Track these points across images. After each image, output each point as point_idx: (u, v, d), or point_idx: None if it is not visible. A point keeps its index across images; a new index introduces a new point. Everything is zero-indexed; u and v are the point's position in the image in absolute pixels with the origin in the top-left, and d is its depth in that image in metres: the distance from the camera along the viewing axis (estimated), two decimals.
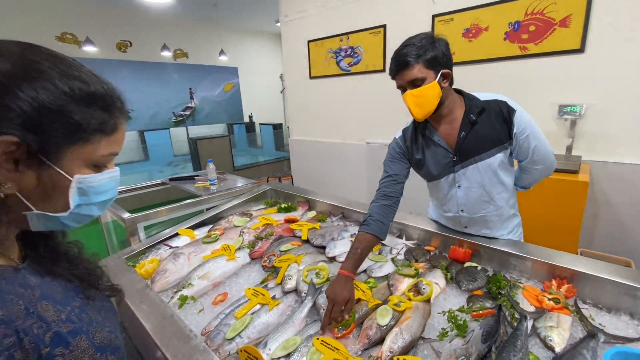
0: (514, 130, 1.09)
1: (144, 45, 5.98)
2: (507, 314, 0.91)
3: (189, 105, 6.69)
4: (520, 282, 1.06)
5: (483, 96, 1.14)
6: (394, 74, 1.09)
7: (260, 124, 7.22)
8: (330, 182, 3.69)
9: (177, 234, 1.43)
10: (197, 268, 1.17)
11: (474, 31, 2.40)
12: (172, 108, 6.53)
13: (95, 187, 0.48)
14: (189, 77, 6.61)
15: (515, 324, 0.86)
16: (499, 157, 1.13)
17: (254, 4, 5.60)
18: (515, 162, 1.25)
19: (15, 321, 0.39)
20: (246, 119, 7.86)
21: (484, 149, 1.13)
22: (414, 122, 1.23)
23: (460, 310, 0.95)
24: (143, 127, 6.17)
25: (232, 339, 0.89)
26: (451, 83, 1.12)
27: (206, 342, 0.88)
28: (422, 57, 1.03)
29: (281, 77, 8.54)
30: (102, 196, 0.50)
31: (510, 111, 1.09)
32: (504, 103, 1.11)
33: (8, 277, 0.43)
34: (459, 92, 1.17)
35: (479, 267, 1.14)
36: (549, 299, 0.94)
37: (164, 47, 5.84)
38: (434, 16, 2.56)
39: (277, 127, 6.52)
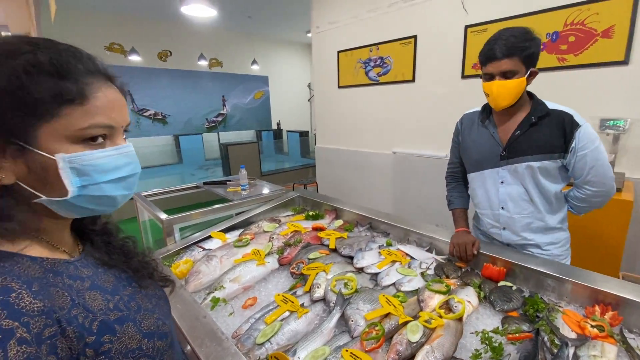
0: (573, 145, 1.10)
1: (182, 54, 6.31)
2: (545, 339, 0.87)
3: (221, 112, 6.95)
4: (559, 306, 1.01)
5: (552, 105, 1.15)
6: (490, 61, 1.09)
7: (288, 131, 7.37)
8: (355, 191, 3.68)
9: (209, 237, 1.48)
10: (228, 271, 1.21)
11: None
12: (206, 114, 6.81)
13: (95, 165, 0.45)
14: (222, 85, 6.88)
15: (555, 351, 0.82)
16: (546, 165, 1.14)
17: (286, 15, 5.78)
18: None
19: (58, 312, 0.40)
20: (274, 126, 8.05)
21: (533, 153, 1.15)
22: (481, 110, 1.28)
23: (495, 331, 0.91)
24: (178, 132, 6.49)
25: (262, 344, 0.90)
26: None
27: (237, 345, 0.90)
28: (523, 52, 1.05)
29: (309, 85, 8.71)
30: (110, 174, 0.47)
31: (574, 125, 1.10)
32: (570, 116, 1.11)
33: (56, 270, 0.45)
34: (529, 94, 1.19)
35: (514, 287, 1.09)
36: (592, 326, 0.89)
37: (201, 57, 6.15)
38: (466, 27, 2.52)
39: (303, 135, 6.62)
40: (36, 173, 0.43)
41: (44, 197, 0.44)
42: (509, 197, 1.23)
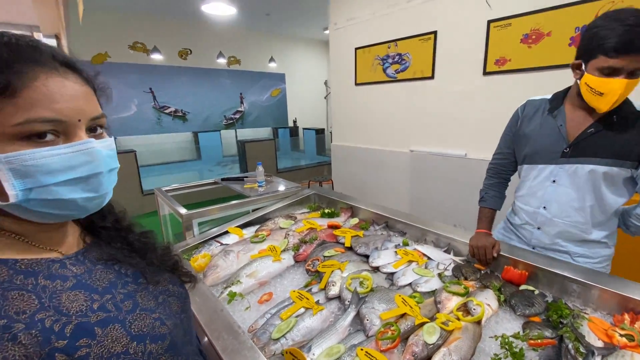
0: None
1: (202, 53, 6.42)
2: (570, 346, 0.84)
3: (239, 109, 7.06)
4: (585, 313, 0.97)
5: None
6: (629, 53, 0.86)
7: (304, 128, 7.39)
8: (371, 189, 3.66)
9: (226, 232, 1.51)
10: (245, 266, 1.22)
11: (534, 37, 2.26)
12: (224, 112, 6.92)
13: (40, 165, 0.39)
14: (240, 82, 6.98)
15: None
16: (613, 172, 1.01)
17: (304, 13, 5.78)
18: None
19: (9, 318, 0.37)
20: (290, 124, 8.09)
21: (602, 156, 1.01)
22: (552, 98, 1.16)
23: (515, 336, 0.89)
24: (197, 128, 6.64)
25: (278, 339, 0.91)
26: None
27: (253, 339, 0.91)
28: None
29: (325, 83, 8.69)
30: (61, 175, 0.41)
31: None
32: None
33: (30, 270, 0.43)
34: None
35: (537, 292, 1.06)
36: (621, 335, 0.85)
37: (220, 55, 6.25)
38: (489, 21, 2.45)
39: (319, 132, 6.62)
40: None
41: None
42: (556, 198, 1.12)
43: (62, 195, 0.41)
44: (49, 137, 0.40)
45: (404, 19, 3.02)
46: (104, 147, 0.46)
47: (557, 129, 1.09)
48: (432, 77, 2.90)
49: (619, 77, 0.89)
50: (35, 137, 0.39)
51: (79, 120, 0.42)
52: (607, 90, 0.92)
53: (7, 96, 0.37)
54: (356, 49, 3.51)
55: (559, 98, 1.14)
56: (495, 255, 1.17)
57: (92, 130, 0.46)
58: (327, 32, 6.61)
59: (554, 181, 1.12)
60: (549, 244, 1.21)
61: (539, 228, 1.20)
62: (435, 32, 2.81)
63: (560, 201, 1.12)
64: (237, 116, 7.04)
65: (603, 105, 0.96)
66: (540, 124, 1.14)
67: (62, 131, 0.41)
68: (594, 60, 0.93)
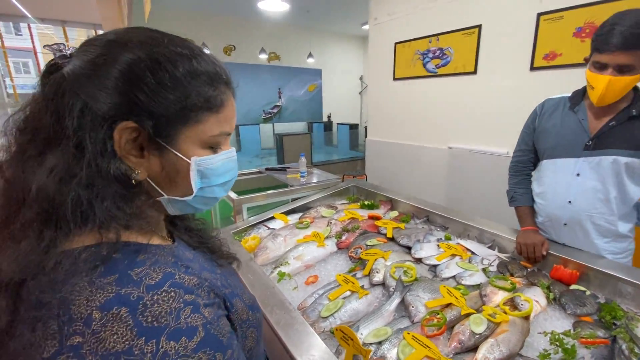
0: None
1: (245, 48, 6.63)
2: (624, 347, 0.82)
3: (277, 104, 7.22)
4: (639, 315, 0.94)
5: None
6: (607, 51, 0.97)
7: (338, 123, 7.42)
8: (405, 186, 3.63)
9: (272, 217, 1.59)
10: (292, 249, 1.30)
11: (587, 30, 2.13)
12: (263, 106, 7.11)
13: (213, 169, 0.47)
14: (279, 77, 7.13)
15: None
16: (636, 163, 1.05)
17: (343, 8, 5.78)
18: None
19: (204, 282, 0.44)
20: (325, 118, 8.15)
21: (624, 147, 1.07)
22: (572, 95, 1.21)
23: (566, 334, 0.88)
24: (238, 122, 6.87)
25: (326, 317, 0.97)
26: None
27: (303, 316, 0.98)
28: None
29: (361, 78, 8.63)
30: (222, 177, 0.49)
31: None
32: None
33: (178, 254, 0.48)
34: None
35: (588, 292, 1.04)
36: None
37: (262, 51, 6.43)
38: (539, 14, 2.33)
39: (353, 127, 6.62)
40: (167, 173, 0.45)
41: (165, 196, 0.46)
42: (582, 191, 1.15)
43: (216, 194, 0.50)
44: (215, 147, 0.49)
45: (446, 12, 2.94)
46: None
47: (579, 123, 1.14)
48: (474, 72, 2.82)
49: (606, 72, 0.99)
50: (212, 147, 0.48)
51: (229, 134, 0.51)
52: (596, 84, 1.02)
53: (214, 112, 0.46)
54: (396, 43, 3.47)
55: (579, 95, 1.18)
56: (544, 253, 1.15)
57: None
58: (364, 27, 6.57)
59: (577, 175, 1.15)
60: (576, 240, 1.21)
61: (565, 224, 1.21)
62: (479, 26, 2.72)
63: (586, 194, 1.15)
64: (275, 110, 7.21)
65: (594, 98, 1.05)
66: (561, 120, 1.20)
67: (222, 143, 0.50)
68: (592, 57, 1.05)
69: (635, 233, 1.21)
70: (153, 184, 0.45)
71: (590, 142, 1.12)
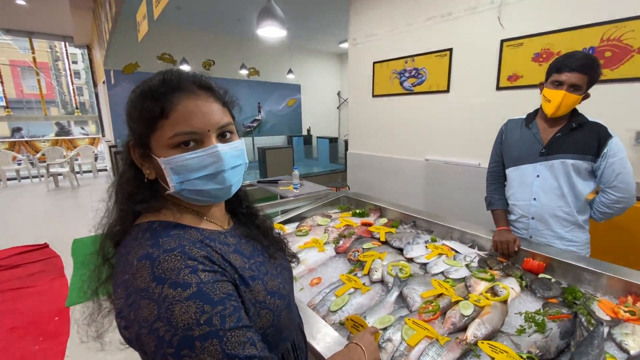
0: (605, 150, 1.28)
1: (224, 64, 6.75)
2: (583, 319, 1.00)
3: (257, 118, 7.34)
4: (595, 296, 1.13)
5: (590, 118, 1.35)
6: (568, 70, 1.24)
7: (318, 137, 7.62)
8: (386, 196, 3.81)
9: None
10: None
11: (544, 55, 2.45)
12: (243, 120, 7.15)
13: (184, 166, 0.55)
14: (259, 92, 7.29)
15: (592, 329, 0.96)
16: (579, 164, 1.33)
17: (322, 28, 6.06)
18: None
19: (215, 260, 0.54)
20: (304, 132, 8.34)
21: (569, 152, 1.34)
22: (527, 117, 1.50)
23: (537, 312, 1.05)
24: None
25: (335, 311, 1.09)
26: None
27: (313, 312, 1.09)
28: (594, 73, 1.25)
29: (338, 94, 8.95)
30: (199, 172, 0.56)
31: (607, 135, 1.29)
32: (604, 127, 1.31)
33: (211, 237, 0.60)
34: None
35: (553, 280, 1.23)
36: (625, 311, 1.01)
37: (242, 66, 6.55)
38: (502, 40, 2.64)
39: (333, 141, 6.83)
40: (159, 172, 0.57)
41: (169, 190, 0.57)
42: (543, 189, 1.41)
43: (200, 186, 0.57)
44: (191, 144, 0.55)
45: (421, 36, 3.23)
46: (230, 148, 0.59)
47: (533, 136, 1.43)
48: (447, 91, 3.10)
49: (562, 88, 1.26)
50: (183, 145, 0.55)
51: (209, 131, 0.56)
52: (552, 98, 1.29)
53: (162, 118, 0.54)
54: (374, 63, 3.72)
55: (532, 115, 1.48)
56: (516, 249, 1.35)
57: (222, 135, 0.60)
58: (342, 45, 6.89)
59: (538, 176, 1.42)
60: (543, 230, 1.45)
61: (532, 218, 1.46)
62: (451, 49, 3.01)
63: (546, 191, 1.41)
64: (255, 124, 7.32)
65: (549, 109, 1.32)
66: (520, 135, 1.48)
67: (198, 140, 0.56)
68: (550, 78, 1.32)
69: (590, 225, 1.45)
70: (161, 182, 0.59)
71: (544, 149, 1.39)
